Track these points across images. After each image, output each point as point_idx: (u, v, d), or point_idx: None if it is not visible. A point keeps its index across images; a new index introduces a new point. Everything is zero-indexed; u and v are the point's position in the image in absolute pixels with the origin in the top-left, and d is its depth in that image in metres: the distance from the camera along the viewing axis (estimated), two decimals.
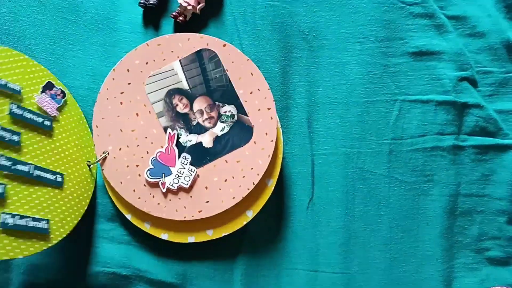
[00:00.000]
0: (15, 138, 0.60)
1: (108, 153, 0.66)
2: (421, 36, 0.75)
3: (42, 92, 0.65)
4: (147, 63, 0.67)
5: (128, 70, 0.67)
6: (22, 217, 0.59)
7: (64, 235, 0.62)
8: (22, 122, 0.62)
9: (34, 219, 0.59)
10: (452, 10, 0.75)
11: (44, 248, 0.60)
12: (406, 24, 0.75)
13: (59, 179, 0.63)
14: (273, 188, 0.68)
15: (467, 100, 0.73)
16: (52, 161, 0.64)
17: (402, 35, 0.74)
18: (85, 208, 0.66)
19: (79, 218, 0.65)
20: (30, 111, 0.63)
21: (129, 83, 0.67)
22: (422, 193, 0.72)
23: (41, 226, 0.60)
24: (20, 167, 0.60)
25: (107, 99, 0.67)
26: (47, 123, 0.64)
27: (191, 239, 0.67)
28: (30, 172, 0.60)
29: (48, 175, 0.62)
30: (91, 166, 0.67)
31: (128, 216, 0.67)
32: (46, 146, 0.64)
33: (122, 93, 0.67)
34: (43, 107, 0.64)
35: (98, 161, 0.65)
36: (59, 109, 0.66)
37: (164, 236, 0.67)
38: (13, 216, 0.58)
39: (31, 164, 0.61)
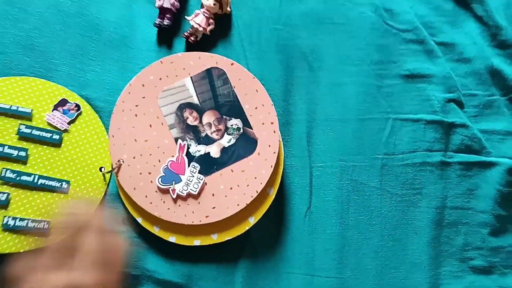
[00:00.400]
0: (22, 153, 0.68)
1: (123, 161, 0.69)
2: (413, 60, 0.78)
3: (54, 109, 0.70)
4: (160, 79, 0.70)
5: (143, 85, 0.70)
6: (22, 219, 0.66)
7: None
8: (31, 139, 0.68)
9: (34, 221, 0.66)
10: (442, 37, 0.79)
11: (41, 245, 0.65)
12: (399, 49, 0.78)
13: (65, 186, 0.69)
14: (274, 196, 0.70)
15: (454, 120, 0.76)
16: (59, 170, 0.69)
17: (395, 58, 0.78)
18: (93, 210, 0.69)
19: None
20: (38, 129, 0.69)
21: (143, 97, 0.70)
22: (412, 205, 0.75)
23: (41, 226, 0.67)
24: (24, 177, 0.67)
25: (123, 111, 0.70)
26: (56, 136, 0.69)
27: (196, 242, 0.69)
28: (35, 181, 0.67)
29: (53, 183, 0.68)
30: (104, 172, 0.71)
31: (139, 220, 0.69)
32: (55, 157, 0.69)
33: (137, 106, 0.70)
34: (53, 124, 0.70)
35: (114, 168, 0.68)
36: (72, 121, 0.71)
37: (172, 239, 0.69)
38: (14, 218, 0.65)
39: (36, 174, 0.67)
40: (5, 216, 0.66)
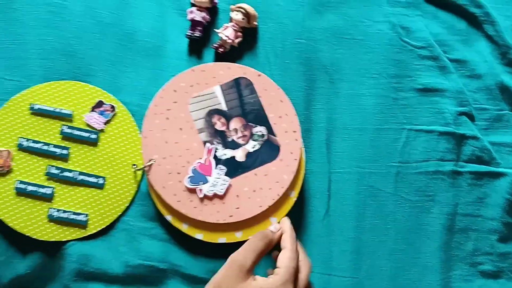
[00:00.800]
0: (65, 152, 0.73)
1: (154, 161, 0.73)
2: (427, 75, 0.80)
3: (91, 110, 0.75)
4: (191, 85, 0.74)
5: (175, 91, 0.74)
6: (65, 211, 0.71)
7: (101, 228, 0.73)
8: (72, 139, 0.74)
9: (75, 213, 0.71)
10: (454, 54, 0.81)
11: (81, 236, 0.72)
12: (414, 64, 0.80)
13: (101, 182, 0.74)
14: (295, 199, 0.73)
15: (465, 132, 0.79)
16: (96, 167, 0.74)
17: (411, 73, 0.80)
18: (125, 206, 0.74)
19: (119, 214, 0.74)
20: (78, 129, 0.74)
21: (175, 102, 0.74)
22: (424, 211, 0.77)
23: (80, 219, 0.72)
24: (66, 173, 0.72)
25: (155, 114, 0.73)
26: (93, 136, 0.74)
27: (222, 240, 0.72)
28: (75, 177, 0.72)
29: (91, 179, 0.73)
30: (136, 170, 0.75)
31: (168, 217, 0.73)
32: (92, 155, 0.74)
33: (168, 110, 0.74)
34: (91, 124, 0.74)
35: (145, 167, 0.72)
36: (108, 122, 0.75)
37: (199, 236, 0.72)
38: (58, 210, 0.71)
39: (76, 170, 0.73)
40: (50, 208, 0.72)
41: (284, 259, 0.63)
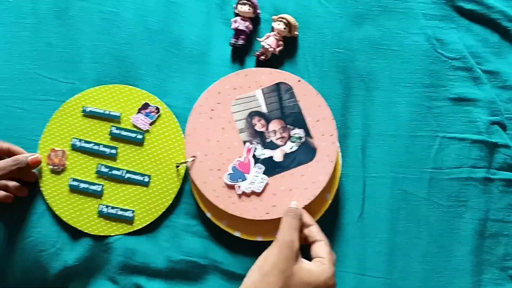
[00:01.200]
0: (113, 151, 0.77)
1: (196, 157, 0.76)
2: (460, 85, 0.82)
3: (138, 112, 0.79)
4: (235, 88, 0.78)
5: (219, 93, 0.78)
6: (113, 207, 0.75)
7: (146, 223, 0.77)
8: (120, 139, 0.78)
9: (122, 209, 0.75)
10: (487, 66, 0.83)
11: (128, 231, 0.76)
12: (448, 74, 0.82)
13: (146, 180, 0.77)
14: (330, 201, 0.76)
15: (497, 141, 0.81)
16: (142, 166, 0.78)
17: (445, 83, 0.82)
18: (169, 203, 0.78)
19: (163, 211, 0.77)
20: (126, 130, 0.78)
21: (218, 103, 0.77)
22: (457, 215, 0.79)
23: (127, 215, 0.76)
24: (115, 172, 0.76)
25: (200, 113, 0.77)
26: (139, 136, 0.78)
27: (259, 238, 0.75)
28: (122, 175, 0.76)
29: (137, 177, 0.77)
30: (180, 166, 0.78)
31: (208, 215, 0.76)
32: (138, 154, 0.78)
33: (212, 110, 0.77)
34: (137, 125, 0.79)
35: (188, 162, 0.76)
36: (153, 123, 0.79)
37: (237, 233, 0.75)
38: (107, 206, 0.75)
39: (124, 169, 0.76)
40: (100, 204, 0.76)
41: (324, 252, 0.66)
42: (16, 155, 0.75)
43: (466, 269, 0.78)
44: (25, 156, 0.75)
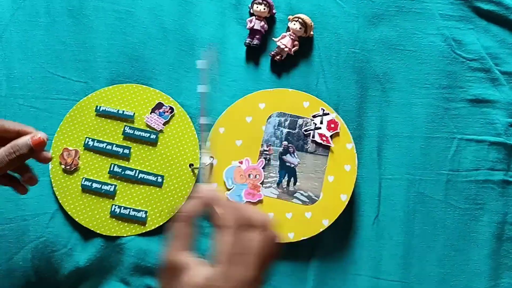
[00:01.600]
0: (126, 151, 0.77)
1: (211, 162, 0.77)
2: (478, 87, 0.82)
3: (151, 112, 0.79)
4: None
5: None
6: (126, 208, 0.74)
7: (159, 224, 0.76)
8: (133, 139, 0.77)
9: (135, 210, 0.75)
10: (506, 67, 0.83)
11: (140, 232, 0.75)
12: (466, 75, 0.82)
13: (160, 180, 0.77)
14: (346, 203, 0.76)
15: None
16: (156, 166, 0.78)
17: (462, 84, 0.82)
18: (182, 203, 0.77)
19: (176, 212, 0.76)
20: (139, 129, 0.78)
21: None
22: (474, 218, 0.79)
23: (140, 215, 0.75)
24: (128, 172, 0.75)
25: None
26: (153, 136, 0.78)
27: None
28: (136, 175, 0.76)
29: (150, 177, 0.77)
30: (193, 168, 0.78)
31: None
32: (152, 154, 0.78)
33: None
34: (151, 125, 0.78)
35: (203, 167, 0.76)
36: (166, 123, 0.79)
37: None
38: (119, 207, 0.74)
39: (137, 169, 0.76)
40: (113, 204, 0.76)
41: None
42: None
43: (484, 273, 0.78)
44: (25, 139, 0.60)
